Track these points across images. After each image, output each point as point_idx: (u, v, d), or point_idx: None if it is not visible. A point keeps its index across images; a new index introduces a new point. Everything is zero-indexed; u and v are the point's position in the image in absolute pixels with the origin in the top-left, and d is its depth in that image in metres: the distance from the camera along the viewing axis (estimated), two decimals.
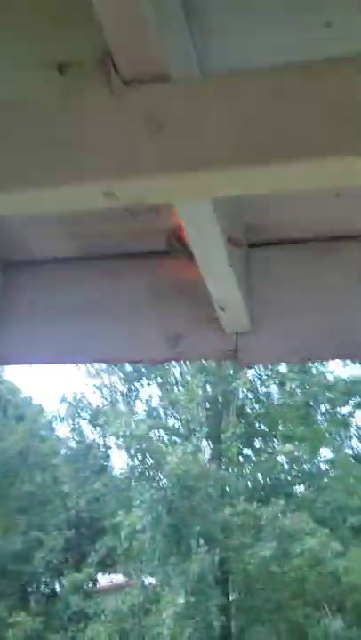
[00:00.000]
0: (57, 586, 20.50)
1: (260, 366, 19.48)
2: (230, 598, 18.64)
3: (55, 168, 1.04)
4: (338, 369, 27.20)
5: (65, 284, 1.88)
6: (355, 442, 27.53)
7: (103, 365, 23.13)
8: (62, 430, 24.28)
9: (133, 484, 20.26)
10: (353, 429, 27.55)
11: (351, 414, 27.50)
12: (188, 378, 21.76)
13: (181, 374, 22.56)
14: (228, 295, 1.50)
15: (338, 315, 1.61)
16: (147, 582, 18.79)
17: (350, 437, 27.58)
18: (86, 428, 24.09)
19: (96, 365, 23.61)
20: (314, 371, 23.86)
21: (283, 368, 22.42)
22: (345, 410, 26.99)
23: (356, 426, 27.39)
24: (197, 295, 1.73)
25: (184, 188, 1.05)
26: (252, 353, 1.66)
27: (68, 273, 1.87)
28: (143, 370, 23.45)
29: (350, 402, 27.07)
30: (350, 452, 26.11)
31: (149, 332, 1.74)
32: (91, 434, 24.34)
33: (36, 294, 1.89)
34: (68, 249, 1.87)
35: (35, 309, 1.88)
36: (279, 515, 18.38)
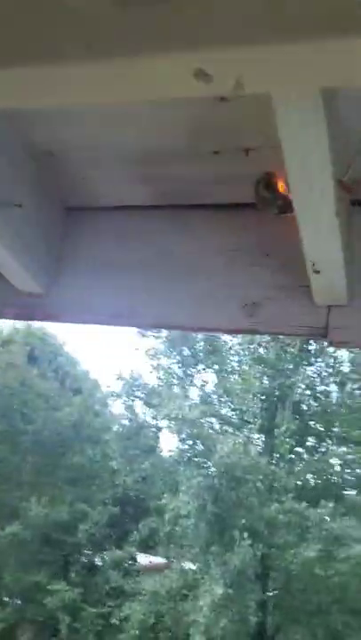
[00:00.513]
0: (97, 560, 20.73)
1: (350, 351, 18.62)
2: (269, 595, 18.32)
3: (130, 36, 0.78)
4: None
5: (130, 236, 1.63)
6: None
7: (162, 336, 23.06)
8: (116, 407, 24.43)
9: (181, 468, 20.17)
10: None
11: None
12: (246, 367, 21.41)
13: (239, 363, 22.22)
14: (327, 254, 1.22)
15: None
16: (186, 567, 18.72)
17: None
18: (139, 408, 24.15)
19: (155, 344, 23.58)
20: None
21: (345, 367, 21.71)
22: None
23: None
24: (285, 258, 1.45)
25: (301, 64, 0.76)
26: (346, 331, 1.37)
27: (135, 223, 1.63)
28: (200, 355, 23.24)
29: None
30: None
31: (222, 296, 1.48)
32: (143, 414, 24.40)
33: (98, 245, 1.66)
34: (136, 195, 1.62)
35: (94, 262, 1.64)
36: (327, 517, 17.87)
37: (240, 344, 22.16)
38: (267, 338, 19.59)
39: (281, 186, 1.42)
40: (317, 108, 0.91)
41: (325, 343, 1.38)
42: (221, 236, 1.53)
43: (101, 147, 1.50)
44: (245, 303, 1.44)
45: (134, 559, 20.11)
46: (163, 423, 21.96)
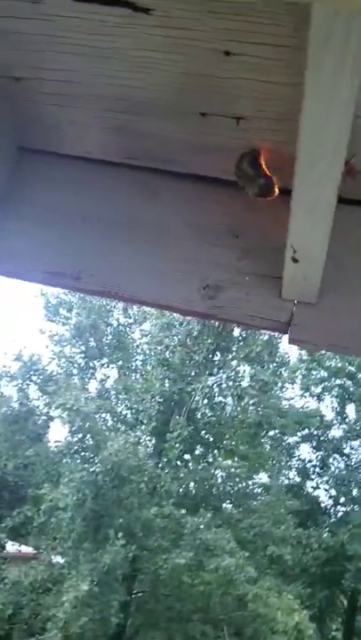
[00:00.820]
0: None
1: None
2: (133, 597, 18.29)
3: None
4: (296, 397, 27.19)
5: (91, 192, 1.47)
6: (293, 473, 27.58)
7: (71, 323, 22.47)
8: (8, 388, 23.57)
9: (66, 460, 19.78)
10: (294, 461, 27.61)
11: (297, 445, 27.55)
12: (149, 368, 21.38)
13: (143, 363, 22.17)
14: (313, 242, 1.12)
15: None
16: (54, 561, 18.32)
17: (290, 468, 27.63)
18: (34, 393, 23.46)
19: (62, 330, 23.02)
20: (273, 392, 23.75)
21: (245, 382, 22.21)
22: (292, 439, 27.02)
23: (298, 458, 27.46)
24: (255, 243, 1.35)
25: None
26: (308, 330, 1.29)
27: (99, 179, 1.47)
28: (106, 349, 22.98)
29: (299, 433, 27.11)
30: (286, 482, 26.14)
31: (182, 272, 1.35)
32: (36, 399, 23.73)
33: (52, 194, 1.49)
34: (105, 148, 1.46)
35: (45, 211, 1.47)
36: (202, 527, 18.12)
37: (148, 343, 22.12)
38: (179, 339, 19.65)
39: (265, 167, 1.32)
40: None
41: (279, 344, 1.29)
42: (191, 209, 1.41)
43: (75, 82, 1.34)
44: (207, 284, 1.33)
45: (2, 546, 19.42)
46: (55, 413, 21.42)
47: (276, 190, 1.32)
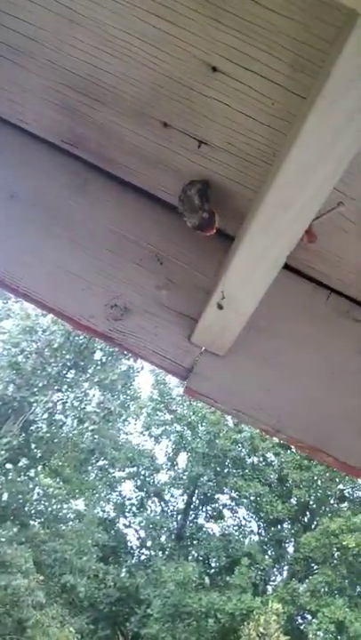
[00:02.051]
0: None
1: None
2: None
3: None
4: (136, 432, 27.26)
5: (10, 164, 1.29)
6: (110, 507, 27.37)
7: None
8: None
9: None
10: (115, 495, 27.45)
11: (122, 481, 27.47)
12: None
13: None
14: (246, 295, 1.03)
15: (335, 401, 1.20)
16: None
17: (108, 501, 27.40)
18: None
19: None
20: (115, 423, 23.62)
21: (90, 407, 21.88)
22: (119, 474, 26.90)
23: (120, 493, 27.35)
24: (182, 276, 1.24)
25: None
26: (207, 383, 1.19)
27: (27, 153, 1.29)
28: None
29: (127, 470, 27.08)
30: (101, 515, 25.83)
31: (95, 285, 1.21)
32: None
33: None
34: (44, 124, 1.30)
35: None
36: (3, 539, 17.29)
37: (3, 342, 21.13)
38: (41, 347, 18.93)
39: (212, 201, 1.23)
40: None
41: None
42: (122, 219, 1.27)
43: (38, 40, 1.17)
44: (115, 303, 1.19)
45: None
46: None
47: (215, 229, 1.23)
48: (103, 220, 1.27)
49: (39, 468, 21.73)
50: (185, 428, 28.14)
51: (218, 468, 26.86)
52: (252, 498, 26.07)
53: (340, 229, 1.17)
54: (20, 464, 21.30)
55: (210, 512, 28.16)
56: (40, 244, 1.22)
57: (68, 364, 20.80)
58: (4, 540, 17.26)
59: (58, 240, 1.23)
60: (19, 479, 20.43)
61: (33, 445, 21.12)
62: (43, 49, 1.18)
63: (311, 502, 25.12)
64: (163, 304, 1.21)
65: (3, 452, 19.14)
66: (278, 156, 0.86)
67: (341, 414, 1.19)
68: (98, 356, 21.81)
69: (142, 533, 27.03)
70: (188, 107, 1.13)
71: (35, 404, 20.04)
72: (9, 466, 20.77)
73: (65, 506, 22.66)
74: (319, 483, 24.77)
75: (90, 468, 24.12)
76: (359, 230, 1.17)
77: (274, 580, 24.93)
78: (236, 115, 1.10)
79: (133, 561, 26.46)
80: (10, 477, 20.42)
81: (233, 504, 27.76)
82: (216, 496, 28.44)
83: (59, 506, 21.91)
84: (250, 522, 27.54)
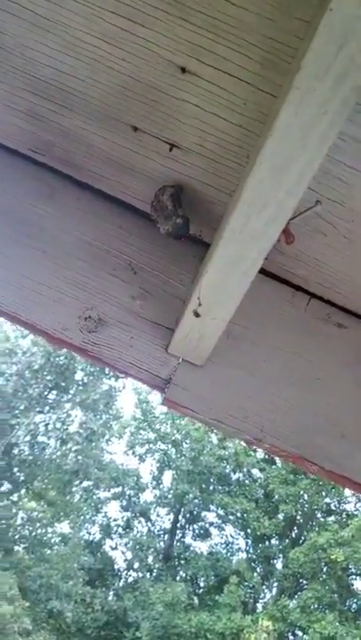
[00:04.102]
0: None
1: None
2: None
3: None
4: (119, 452, 27.00)
5: None
6: (95, 529, 26.99)
7: None
8: None
9: None
10: (100, 516, 27.08)
11: (107, 501, 27.13)
12: None
13: None
14: (226, 298, 1.00)
15: (318, 407, 1.16)
16: None
17: (94, 523, 27.03)
18: None
19: None
20: (99, 443, 23.39)
21: (73, 427, 21.65)
22: (104, 495, 26.58)
23: (105, 514, 27.00)
24: (157, 285, 1.20)
25: None
26: (186, 394, 1.14)
27: (2, 168, 1.25)
28: None
29: (112, 490, 26.78)
30: (87, 537, 25.45)
31: (64, 293, 1.16)
32: None
33: None
34: (8, 132, 1.26)
35: None
36: None
37: None
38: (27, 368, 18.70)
39: (186, 207, 1.20)
40: (346, 102, 0.69)
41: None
42: (94, 228, 1.23)
43: (2, 53, 1.13)
44: (89, 315, 1.15)
45: None
46: None
47: (187, 233, 1.19)
48: (74, 230, 1.23)
49: (22, 491, 21.40)
50: (169, 446, 27.96)
51: (203, 486, 26.68)
52: (238, 514, 25.91)
53: (318, 232, 1.14)
54: (3, 488, 20.95)
55: (197, 530, 27.90)
56: (8, 255, 1.17)
57: (50, 385, 20.60)
58: None
59: (27, 250, 1.18)
60: (1, 504, 20.09)
61: (15, 469, 20.80)
62: (5, 54, 1.14)
63: (298, 517, 25.05)
64: (138, 314, 1.17)
65: None
66: (251, 155, 0.83)
67: (325, 421, 1.15)
68: (79, 376, 21.62)
69: (129, 555, 26.67)
70: (157, 109, 1.10)
71: (17, 427, 19.77)
72: None
73: (50, 529, 22.32)
74: (306, 497, 24.71)
75: (74, 489, 23.80)
76: (338, 233, 1.14)
77: (263, 598, 24.70)
78: (207, 116, 1.07)
79: (121, 583, 26.04)
80: None
81: (220, 521, 27.53)
82: (203, 514, 28.22)
83: (43, 530, 21.57)
84: (237, 539, 27.32)
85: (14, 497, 20.78)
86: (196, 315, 1.03)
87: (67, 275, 1.17)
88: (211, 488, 26.69)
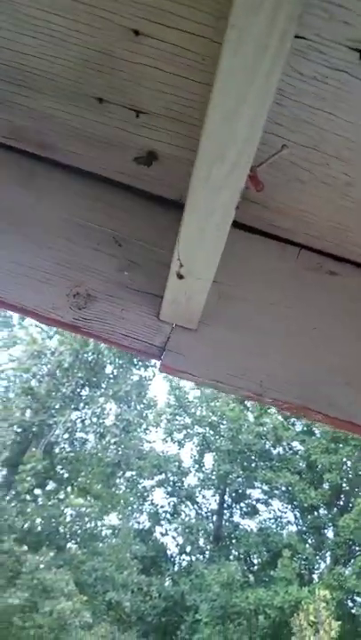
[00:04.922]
0: None
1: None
2: None
3: None
4: (158, 440, 27.21)
5: None
6: (144, 517, 27.32)
7: None
8: None
9: None
10: (147, 505, 27.40)
11: (152, 489, 27.42)
12: (12, 395, 20.40)
13: (6, 390, 21.12)
14: (204, 255, 0.99)
15: (319, 356, 1.15)
16: None
17: (142, 512, 27.35)
18: None
19: None
20: (136, 433, 23.59)
21: (109, 420, 21.86)
22: (148, 483, 26.87)
23: (152, 502, 27.31)
24: (142, 255, 1.20)
25: None
26: (182, 359, 1.14)
27: None
28: None
29: (155, 477, 27.04)
30: (136, 527, 25.78)
31: (51, 274, 1.17)
32: None
33: None
34: None
35: None
36: (42, 566, 17.25)
37: (14, 369, 21.15)
38: (62, 359, 18.89)
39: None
40: (285, 34, 0.68)
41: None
42: (74, 206, 1.24)
43: None
44: (77, 292, 1.15)
45: None
46: None
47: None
48: (54, 210, 1.23)
49: (68, 488, 21.71)
50: (207, 428, 28.06)
51: (245, 464, 26.75)
52: (283, 488, 25.96)
53: (295, 180, 1.13)
54: (49, 487, 21.29)
55: (244, 509, 28.03)
56: (4, 253, 1.18)
57: (81, 381, 20.80)
58: (42, 566, 17.23)
59: (8, 236, 1.19)
60: (49, 503, 20.41)
61: (59, 467, 21.10)
62: None
63: (344, 484, 24.97)
64: (126, 286, 1.17)
65: (29, 478, 19.14)
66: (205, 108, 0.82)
67: (326, 369, 1.15)
68: (109, 370, 21.80)
69: (180, 539, 26.95)
70: (118, 77, 1.09)
71: (54, 426, 20.04)
72: (38, 491, 20.77)
73: (99, 523, 22.63)
74: (349, 464, 24.62)
75: (118, 481, 24.07)
76: (316, 178, 1.12)
77: (318, 568, 24.77)
78: (168, 77, 1.06)
79: (175, 569, 26.36)
80: (40, 502, 20.42)
81: (266, 497, 27.63)
82: (248, 492, 28.31)
83: (93, 524, 21.89)
84: (285, 513, 27.40)
85: (60, 495, 21.12)
86: (180, 276, 1.02)
87: (52, 255, 1.18)
88: (253, 465, 26.76)
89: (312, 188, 1.14)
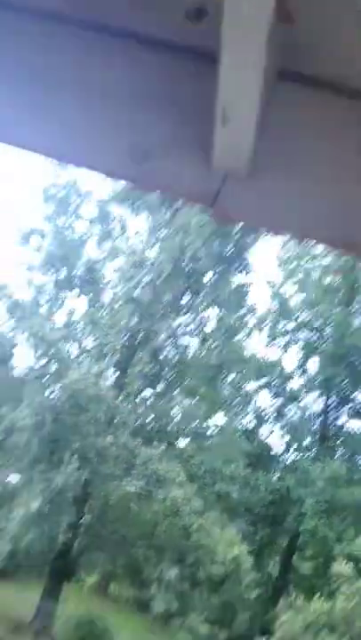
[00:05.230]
0: None
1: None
2: (82, 520, 18.85)
3: None
4: (261, 344, 27.56)
5: (37, 46, 1.38)
6: (248, 419, 28.24)
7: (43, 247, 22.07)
8: None
9: (29, 384, 19.87)
10: (250, 407, 28.22)
11: (255, 393, 28.11)
12: (119, 304, 21.32)
13: (113, 297, 22.08)
14: (244, 92, 1.07)
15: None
16: (8, 479, 18.67)
17: (246, 414, 28.26)
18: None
19: (32, 258, 22.64)
20: (239, 337, 23.99)
21: (210, 325, 22.32)
22: (250, 387, 27.54)
23: (255, 404, 28.09)
24: (195, 112, 1.29)
25: None
26: (234, 205, 1.25)
27: (37, 25, 1.37)
28: (77, 281, 22.71)
29: (260, 380, 27.62)
30: (241, 427, 26.78)
31: (111, 135, 1.29)
32: (3, 324, 23.42)
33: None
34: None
35: None
36: (155, 458, 18.60)
37: (118, 279, 21.97)
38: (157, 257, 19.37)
39: None
40: None
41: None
42: (133, 72, 1.33)
43: None
44: (138, 149, 1.27)
45: None
46: (20, 338, 21.25)
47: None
48: (118, 76, 1.33)
49: (175, 391, 22.80)
50: (311, 332, 27.95)
51: (351, 367, 26.57)
52: None
53: (338, 23, 1.15)
54: (158, 389, 22.49)
55: (349, 411, 28.14)
56: (60, 109, 1.31)
57: (181, 288, 21.28)
58: (155, 458, 18.56)
59: (76, 103, 1.31)
60: (159, 404, 21.63)
61: (165, 370, 22.14)
62: None
63: None
64: (179, 139, 1.27)
65: (138, 380, 20.32)
66: None
67: None
68: (208, 277, 22.04)
69: (285, 438, 27.75)
70: None
71: (158, 332, 20.87)
72: (147, 393, 22.03)
73: (205, 423, 23.71)
74: None
75: (222, 383, 24.86)
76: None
77: None
78: None
79: (280, 465, 27.35)
80: (151, 403, 21.69)
81: None
82: (353, 394, 28.29)
83: (200, 423, 23.00)
84: None
85: (168, 395, 22.28)
86: (226, 121, 1.11)
87: (108, 117, 1.29)
88: (359, 369, 26.54)
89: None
